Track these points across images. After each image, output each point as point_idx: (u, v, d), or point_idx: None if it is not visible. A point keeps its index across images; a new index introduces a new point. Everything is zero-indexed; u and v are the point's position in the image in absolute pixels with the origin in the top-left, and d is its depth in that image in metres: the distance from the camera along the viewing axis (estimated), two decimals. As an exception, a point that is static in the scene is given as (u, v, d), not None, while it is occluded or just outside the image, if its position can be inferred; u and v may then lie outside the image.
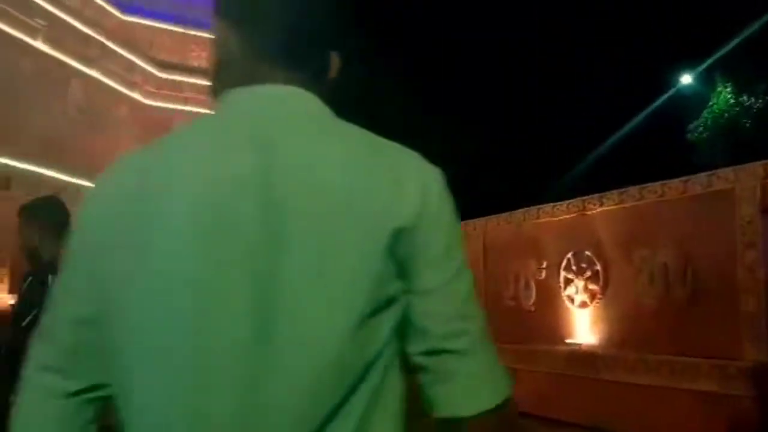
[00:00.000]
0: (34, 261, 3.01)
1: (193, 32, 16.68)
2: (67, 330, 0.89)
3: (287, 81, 0.93)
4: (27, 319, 2.76)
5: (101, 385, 0.89)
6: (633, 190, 7.66)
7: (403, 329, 0.88)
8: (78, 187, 11.04)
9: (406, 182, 0.87)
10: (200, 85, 16.01)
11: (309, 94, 0.94)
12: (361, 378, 0.83)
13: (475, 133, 23.04)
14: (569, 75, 22.96)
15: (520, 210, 9.77)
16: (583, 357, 7.84)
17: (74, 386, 0.88)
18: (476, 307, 0.93)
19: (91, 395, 0.89)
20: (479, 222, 10.90)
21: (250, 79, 0.93)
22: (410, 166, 0.91)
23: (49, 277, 2.77)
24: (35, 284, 2.82)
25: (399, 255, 0.85)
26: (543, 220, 9.05)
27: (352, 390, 0.82)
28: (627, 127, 21.46)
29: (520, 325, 8.74)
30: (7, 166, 10.40)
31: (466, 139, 23.00)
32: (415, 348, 0.89)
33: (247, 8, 0.97)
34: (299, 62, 0.94)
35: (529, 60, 24.23)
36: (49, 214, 2.99)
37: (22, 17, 11.82)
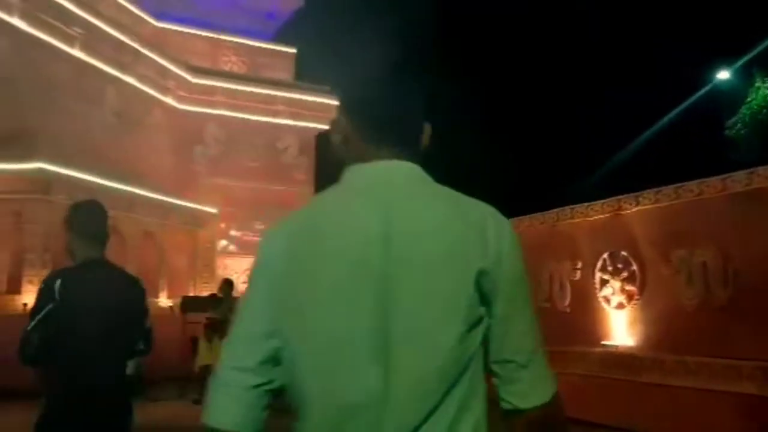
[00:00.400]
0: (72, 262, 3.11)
1: (223, 37, 16.89)
2: (255, 341, 1.22)
3: (396, 157, 1.26)
4: (31, 323, 2.82)
5: (274, 380, 1.23)
6: (669, 189, 7.52)
7: (485, 344, 1.20)
8: (114, 190, 11.25)
9: (487, 234, 1.20)
10: (231, 89, 16.21)
11: (413, 165, 1.27)
12: (455, 383, 1.15)
13: (506, 131, 22.91)
14: (605, 71, 22.66)
15: (553, 210, 9.65)
16: (619, 359, 7.71)
17: (257, 381, 1.22)
18: (535, 327, 1.25)
19: (267, 387, 1.23)
20: (511, 222, 10.80)
21: (368, 156, 1.27)
22: (490, 220, 1.24)
23: (56, 281, 2.88)
24: (41, 291, 2.93)
25: (482, 288, 1.17)
26: (577, 220, 8.94)
27: (448, 393, 1.15)
28: (663, 124, 21.09)
29: (555, 327, 8.62)
30: (46, 171, 10.62)
31: (497, 137, 22.87)
32: (490, 358, 1.22)
33: (366, 107, 1.32)
34: (404, 142, 1.28)
35: (563, 56, 23.97)
36: (83, 222, 3.10)
37: (59, 26, 12.11)
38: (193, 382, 9.99)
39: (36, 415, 2.83)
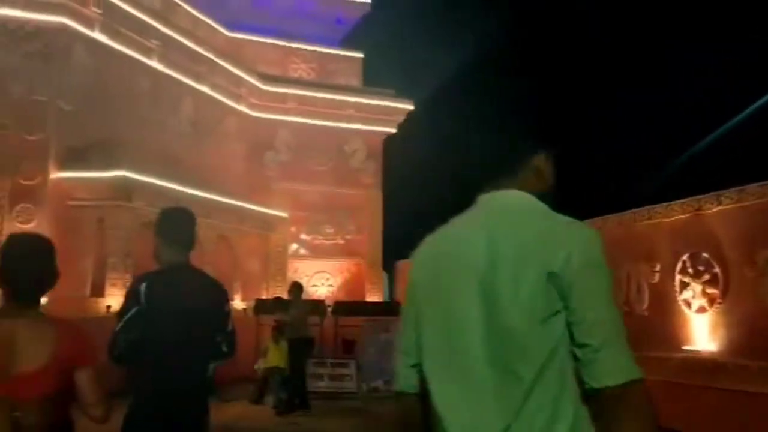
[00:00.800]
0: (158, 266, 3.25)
1: (294, 45, 17.21)
2: (408, 331, 1.67)
3: (507, 187, 1.65)
4: (118, 324, 2.97)
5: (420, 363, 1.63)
6: (753, 187, 7.21)
7: (568, 331, 1.46)
8: (191, 197, 11.61)
9: (562, 245, 1.47)
10: (301, 95, 16.49)
11: (516, 192, 1.63)
12: (549, 359, 1.44)
13: (578, 131, 22.41)
14: (680, 67, 21.93)
15: (630, 211, 9.42)
16: (701, 365, 7.44)
17: (412, 362, 1.65)
18: (611, 319, 1.48)
19: (418, 366, 1.63)
20: (595, 221, 10.57)
21: (489, 188, 1.68)
22: (568, 234, 1.51)
23: (142, 284, 3.01)
24: (128, 294, 3.05)
25: (556, 287, 1.45)
26: (655, 220, 8.67)
27: (545, 368, 1.43)
28: (742, 119, 20.20)
29: (633, 331, 8.39)
30: (128, 178, 11.06)
31: (569, 138, 22.41)
32: (572, 344, 1.45)
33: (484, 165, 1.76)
34: (513, 175, 1.66)
35: (638, 55, 23.34)
36: (171, 227, 3.21)
37: (139, 39, 12.62)
38: (257, 382, 10.15)
39: (123, 413, 2.92)
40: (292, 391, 9.43)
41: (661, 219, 8.54)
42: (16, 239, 2.64)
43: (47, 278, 2.51)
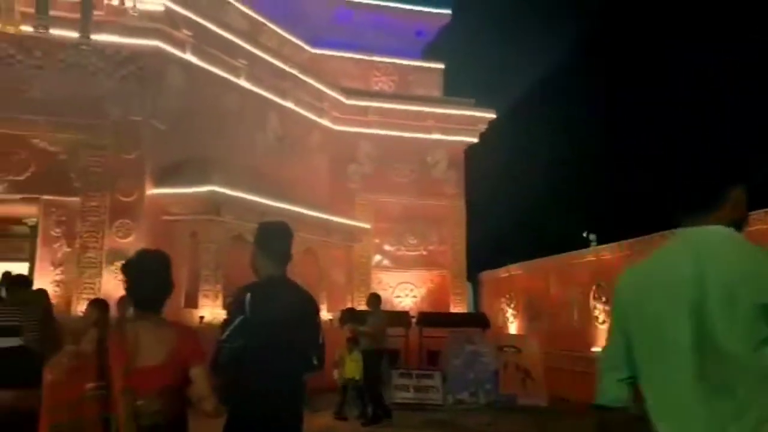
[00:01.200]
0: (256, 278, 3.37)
1: (375, 58, 17.42)
2: (616, 349, 1.91)
3: (706, 220, 1.82)
4: (225, 334, 3.04)
5: (633, 376, 1.85)
6: None
7: None
8: (278, 210, 11.90)
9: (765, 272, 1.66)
10: (382, 107, 16.64)
11: (717, 227, 1.80)
12: (765, 380, 1.61)
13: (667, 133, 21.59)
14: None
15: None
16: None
17: (622, 376, 1.88)
18: None
19: (630, 380, 1.86)
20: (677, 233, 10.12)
21: (688, 223, 1.86)
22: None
23: (247, 295, 3.09)
24: (233, 304, 3.13)
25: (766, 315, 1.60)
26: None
27: (761, 387, 1.61)
28: None
29: None
30: (217, 193, 11.46)
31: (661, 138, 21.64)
32: None
33: (684, 202, 1.92)
34: (712, 209, 1.83)
35: (733, 58, 22.29)
36: (270, 241, 3.32)
37: (227, 59, 13.10)
38: (339, 394, 10.11)
39: (222, 421, 3.01)
40: (371, 401, 9.44)
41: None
42: (142, 256, 3.12)
43: (168, 289, 2.99)
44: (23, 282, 6.18)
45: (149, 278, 2.95)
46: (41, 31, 9.93)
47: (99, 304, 6.03)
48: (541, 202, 22.59)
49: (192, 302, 11.50)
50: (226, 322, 3.09)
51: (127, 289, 3.00)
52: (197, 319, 11.26)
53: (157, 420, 2.72)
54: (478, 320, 13.72)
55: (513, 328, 15.85)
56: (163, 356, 2.78)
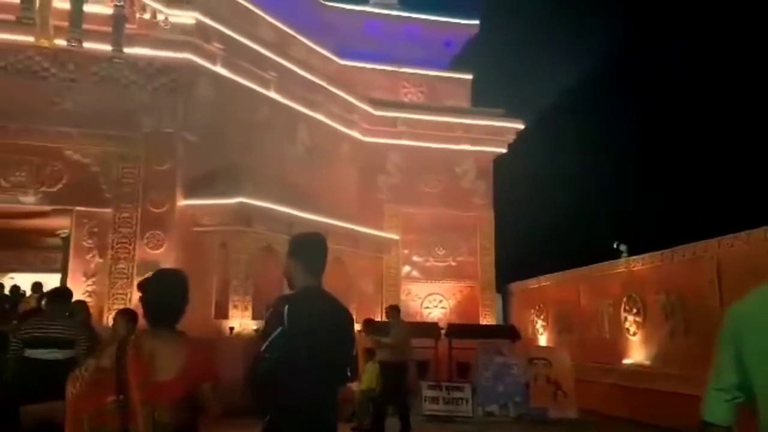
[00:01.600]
0: (291, 289, 3.35)
1: (403, 69, 17.44)
2: (727, 369, 2.11)
3: None
4: (264, 345, 3.02)
5: (739, 397, 2.08)
6: None
7: None
8: (308, 221, 11.92)
9: None
10: (411, 119, 16.64)
11: None
12: None
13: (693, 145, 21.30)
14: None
15: (761, 228, 8.77)
16: None
17: (728, 397, 2.10)
18: None
19: (735, 401, 2.09)
20: (710, 243, 9.95)
21: None
22: None
23: (285, 306, 3.06)
24: (271, 315, 3.11)
25: None
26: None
27: None
28: None
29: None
30: (247, 204, 11.53)
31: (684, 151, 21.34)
32: None
33: None
34: None
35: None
36: (306, 252, 3.32)
37: (257, 71, 13.21)
38: (352, 404, 9.97)
39: None
40: (398, 414, 9.31)
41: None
42: (160, 276, 3.29)
43: (182, 308, 3.11)
44: (65, 294, 6.26)
45: (167, 299, 3.11)
46: (75, 44, 10.08)
47: (129, 315, 6.12)
48: (571, 213, 22.34)
49: (222, 313, 11.56)
50: (264, 333, 3.08)
51: (143, 305, 3.14)
52: (227, 330, 11.32)
53: (172, 431, 2.88)
54: (507, 332, 13.59)
55: (543, 339, 15.66)
56: (177, 371, 2.93)
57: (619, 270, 12.61)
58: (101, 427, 2.87)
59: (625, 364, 11.97)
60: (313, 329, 3.04)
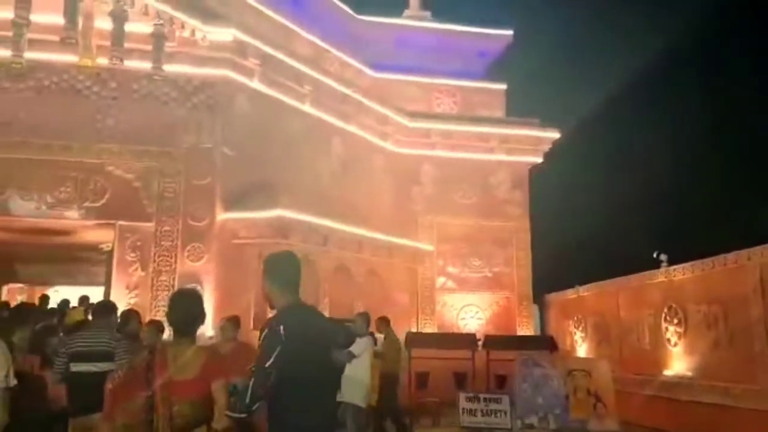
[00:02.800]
0: (272, 308, 3.54)
1: (437, 81, 17.48)
2: None
3: None
4: (268, 361, 3.09)
5: None
6: None
7: None
8: (343, 233, 12.01)
9: None
10: (445, 129, 16.65)
11: None
12: None
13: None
14: None
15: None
16: None
17: None
18: None
19: None
20: (754, 252, 9.74)
21: None
22: None
23: (280, 325, 3.18)
24: (268, 335, 3.20)
25: None
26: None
27: None
28: None
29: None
30: (284, 217, 11.66)
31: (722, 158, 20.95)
32: None
33: None
34: None
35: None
36: (280, 272, 3.46)
37: (293, 86, 13.40)
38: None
39: None
40: (395, 425, 9.20)
41: None
42: (180, 295, 4.40)
43: (201, 320, 3.87)
44: (108, 307, 6.43)
45: (184, 313, 3.81)
46: (116, 63, 10.37)
47: (156, 325, 6.87)
48: (609, 222, 22.08)
49: (260, 324, 11.65)
50: (264, 353, 3.14)
51: (167, 319, 3.94)
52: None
53: (188, 422, 3.50)
54: (545, 343, 13.44)
55: (582, 350, 15.45)
56: (195, 373, 3.57)
57: (659, 279, 12.41)
58: (131, 418, 3.56)
59: (667, 376, 11.76)
60: (309, 341, 3.17)
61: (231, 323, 7.13)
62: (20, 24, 9.46)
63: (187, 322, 3.77)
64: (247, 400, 3.03)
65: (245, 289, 11.61)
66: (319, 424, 3.15)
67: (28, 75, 11.06)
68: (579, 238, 21.89)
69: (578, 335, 15.78)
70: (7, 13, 9.77)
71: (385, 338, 9.60)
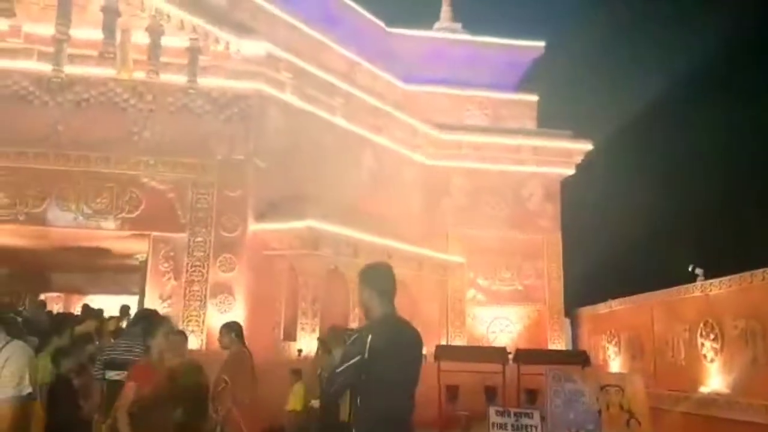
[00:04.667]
0: (368, 317, 3.53)
1: (467, 92, 17.45)
2: None
3: None
4: (341, 367, 3.24)
5: None
6: None
7: None
8: (373, 244, 12.02)
9: None
10: (476, 141, 16.61)
11: None
12: None
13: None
14: None
15: None
16: None
17: None
18: None
19: None
20: None
21: None
22: None
23: (368, 336, 3.24)
24: (355, 341, 3.31)
25: None
26: None
27: None
28: None
29: None
30: (314, 228, 11.73)
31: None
32: None
33: None
34: None
35: None
36: (378, 281, 3.50)
37: (324, 98, 13.51)
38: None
39: None
40: None
41: None
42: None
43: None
44: (144, 316, 6.52)
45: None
46: (152, 76, 10.57)
47: (184, 336, 6.84)
48: (643, 235, 21.73)
49: (290, 335, 11.74)
50: (345, 356, 3.27)
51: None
52: (295, 352, 11.48)
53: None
54: (577, 357, 13.24)
55: (615, 365, 15.21)
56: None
57: (694, 294, 12.18)
58: (141, 405, 4.39)
59: (703, 393, 11.51)
60: (391, 355, 3.22)
61: (225, 329, 6.51)
62: (61, 39, 9.70)
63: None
64: (325, 388, 3.22)
65: (276, 301, 11.70)
66: (398, 416, 3.27)
67: (68, 88, 11.33)
68: (612, 251, 21.59)
69: (611, 350, 15.54)
70: (48, 29, 10.03)
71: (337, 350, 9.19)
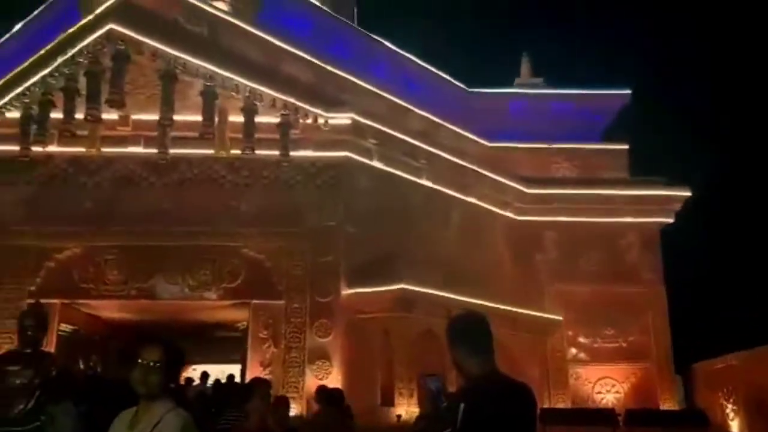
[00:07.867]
0: (464, 378, 3.01)
1: (554, 146, 17.24)
2: None
3: None
4: None
5: None
6: None
7: None
8: (466, 304, 11.87)
9: None
10: (566, 194, 16.28)
11: None
12: None
13: None
14: None
15: None
16: None
17: None
18: None
19: None
20: None
21: None
22: None
23: (460, 405, 2.75)
24: (446, 409, 2.97)
25: None
26: None
27: None
28: None
29: None
30: (407, 290, 11.75)
31: None
32: None
33: None
34: None
35: None
36: (469, 336, 2.96)
37: (409, 161, 13.74)
38: None
39: None
40: None
41: None
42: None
43: None
44: (243, 385, 6.65)
45: None
46: (248, 152, 11.14)
47: (287, 403, 6.82)
48: (757, 282, 20.41)
49: (388, 400, 11.64)
50: (436, 422, 3.00)
51: None
52: (394, 418, 11.35)
53: None
54: (695, 418, 12.43)
55: (735, 426, 14.13)
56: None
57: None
58: None
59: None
60: (495, 424, 2.71)
61: (315, 394, 6.53)
62: (165, 124, 10.44)
63: None
64: None
65: (371, 365, 11.70)
66: None
67: (172, 169, 12.06)
68: (724, 302, 20.36)
69: (729, 408, 14.47)
70: (153, 115, 10.82)
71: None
